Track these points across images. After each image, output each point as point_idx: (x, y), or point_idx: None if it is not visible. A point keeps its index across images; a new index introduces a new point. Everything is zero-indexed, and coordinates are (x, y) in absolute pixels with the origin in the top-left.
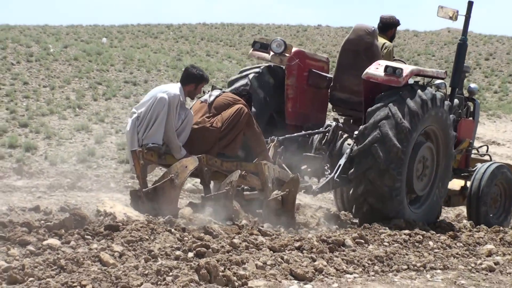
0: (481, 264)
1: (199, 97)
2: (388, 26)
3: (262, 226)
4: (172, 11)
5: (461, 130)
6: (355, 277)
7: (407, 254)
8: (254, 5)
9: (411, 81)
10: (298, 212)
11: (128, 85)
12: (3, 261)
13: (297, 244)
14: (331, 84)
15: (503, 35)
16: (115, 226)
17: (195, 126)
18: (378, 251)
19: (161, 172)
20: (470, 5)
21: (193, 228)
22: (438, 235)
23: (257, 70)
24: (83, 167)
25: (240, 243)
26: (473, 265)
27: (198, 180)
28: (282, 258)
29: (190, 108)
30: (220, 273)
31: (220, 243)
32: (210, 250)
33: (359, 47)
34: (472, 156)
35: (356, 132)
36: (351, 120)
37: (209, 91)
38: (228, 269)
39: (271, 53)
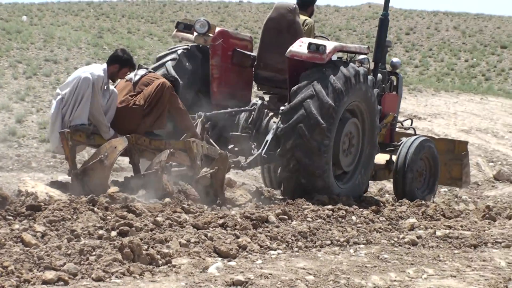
0: (403, 238)
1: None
2: (308, 3)
3: (188, 204)
4: None
5: (385, 104)
6: (279, 253)
7: (330, 230)
8: None
9: (334, 57)
10: (227, 190)
11: (48, 63)
12: None
13: (220, 221)
14: (255, 62)
15: (423, 9)
16: (37, 206)
17: (119, 105)
18: (301, 227)
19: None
20: None
21: (116, 207)
22: (361, 210)
23: (185, 47)
24: (4, 146)
25: (163, 221)
26: (395, 239)
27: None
28: (205, 235)
29: (115, 87)
30: (144, 252)
31: (143, 221)
32: (133, 228)
33: (281, 25)
34: (397, 130)
35: (282, 109)
36: (276, 98)
37: (135, 70)
38: (152, 247)
39: (195, 33)
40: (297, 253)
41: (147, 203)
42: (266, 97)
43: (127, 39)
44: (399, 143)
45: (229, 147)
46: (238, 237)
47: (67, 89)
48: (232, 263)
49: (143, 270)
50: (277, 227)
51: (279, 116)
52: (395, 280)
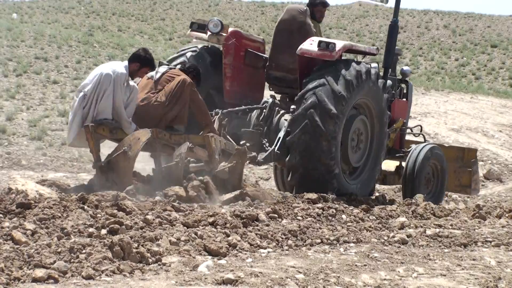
0: (393, 237)
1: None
2: (315, 6)
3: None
4: None
5: (394, 110)
6: (269, 252)
7: (320, 228)
8: None
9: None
10: (245, 184)
11: (39, 61)
12: None
13: (210, 220)
14: (267, 63)
15: (413, 8)
16: (27, 204)
17: (141, 103)
18: (291, 226)
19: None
20: None
21: (106, 205)
22: (351, 208)
23: (194, 49)
24: None
25: (153, 219)
26: (386, 238)
27: None
28: (196, 234)
29: (137, 84)
30: (134, 250)
31: (133, 219)
32: (124, 226)
33: (293, 26)
34: (406, 138)
35: (293, 107)
36: (287, 98)
37: (157, 68)
38: (142, 245)
39: (208, 33)
40: (287, 251)
41: (137, 202)
42: (277, 97)
43: (117, 36)
44: (408, 150)
45: (241, 143)
46: (228, 236)
47: (89, 86)
48: (222, 261)
49: (133, 268)
50: (267, 225)
51: (291, 111)
52: (385, 279)
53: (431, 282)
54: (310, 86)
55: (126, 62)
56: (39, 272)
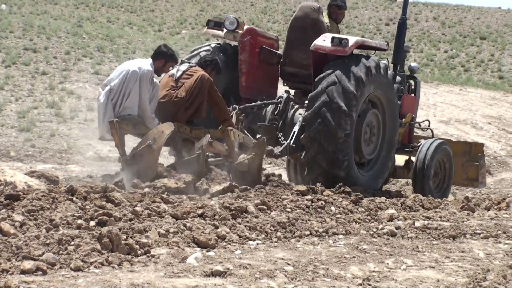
0: (382, 229)
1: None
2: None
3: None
4: None
5: (403, 105)
6: (258, 244)
7: (309, 220)
8: None
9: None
10: (264, 175)
11: (28, 52)
12: None
13: (199, 211)
14: (281, 59)
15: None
16: (15, 195)
17: (163, 100)
18: (280, 217)
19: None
20: None
21: (94, 196)
22: (340, 200)
23: (207, 48)
24: None
25: (142, 211)
26: (374, 230)
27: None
28: (184, 225)
29: (159, 81)
30: (123, 242)
31: (122, 211)
32: (112, 218)
33: (306, 23)
34: (414, 134)
35: (307, 102)
36: (301, 93)
37: (177, 66)
38: (131, 237)
39: (225, 30)
40: (276, 243)
41: (126, 193)
42: (292, 92)
43: (106, 28)
44: (418, 145)
45: (257, 137)
46: (217, 227)
47: (116, 81)
48: (211, 253)
49: (122, 260)
50: (256, 217)
51: (305, 106)
52: (374, 271)
53: (420, 274)
54: (322, 85)
55: (150, 60)
56: (28, 264)
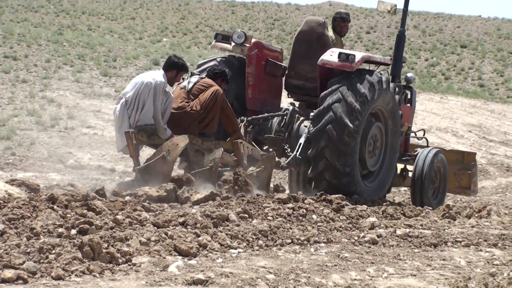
0: (364, 237)
1: (179, 84)
2: (335, 20)
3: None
4: None
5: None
6: (239, 252)
7: (291, 228)
8: None
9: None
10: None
11: (8, 59)
12: None
13: (181, 220)
14: (286, 72)
15: None
16: None
17: (175, 111)
18: (262, 226)
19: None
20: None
21: (75, 205)
22: (322, 208)
23: (213, 62)
24: None
25: (123, 219)
26: (356, 238)
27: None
28: (166, 234)
29: (172, 92)
30: (104, 250)
31: (103, 219)
32: (93, 227)
33: (311, 37)
34: (410, 143)
35: (312, 114)
36: (305, 105)
37: (187, 78)
38: (112, 245)
39: (233, 43)
40: (257, 251)
41: (107, 202)
42: (296, 104)
43: (87, 35)
44: (415, 153)
45: (264, 148)
46: (198, 236)
47: (130, 93)
48: (193, 261)
49: (103, 268)
50: (238, 225)
51: (310, 120)
52: (355, 279)
53: (401, 282)
54: (327, 102)
55: (163, 71)
56: (8, 273)
